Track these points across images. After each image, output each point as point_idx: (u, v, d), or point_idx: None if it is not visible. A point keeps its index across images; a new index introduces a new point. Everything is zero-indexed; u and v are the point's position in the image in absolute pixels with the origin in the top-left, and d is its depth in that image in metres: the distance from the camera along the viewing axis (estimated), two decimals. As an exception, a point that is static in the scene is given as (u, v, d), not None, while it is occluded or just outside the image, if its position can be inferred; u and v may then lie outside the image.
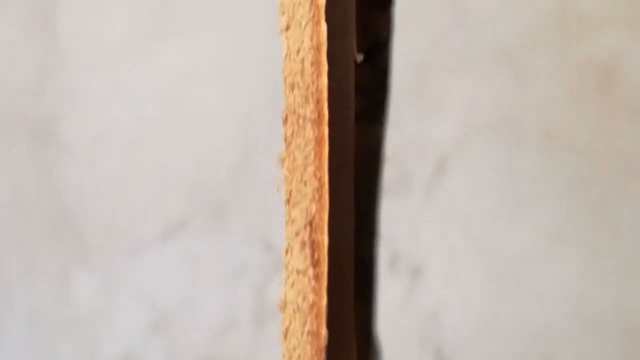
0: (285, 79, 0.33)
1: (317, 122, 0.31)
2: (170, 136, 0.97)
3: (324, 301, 0.32)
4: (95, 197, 1.01)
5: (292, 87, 0.32)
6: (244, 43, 0.93)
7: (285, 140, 0.33)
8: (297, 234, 0.33)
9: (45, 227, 1.03)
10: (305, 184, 0.32)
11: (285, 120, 0.32)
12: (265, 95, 0.92)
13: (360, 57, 0.34)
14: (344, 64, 0.33)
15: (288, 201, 0.33)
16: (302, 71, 0.32)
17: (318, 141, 0.32)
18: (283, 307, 0.33)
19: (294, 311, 0.33)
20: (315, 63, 0.31)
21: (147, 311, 0.99)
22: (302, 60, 0.32)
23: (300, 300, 0.33)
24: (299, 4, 0.32)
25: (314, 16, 0.31)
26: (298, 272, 0.33)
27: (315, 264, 0.32)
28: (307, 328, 0.33)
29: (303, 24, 0.32)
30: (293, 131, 0.32)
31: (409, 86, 0.86)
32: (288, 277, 0.33)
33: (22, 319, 1.04)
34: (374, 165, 0.45)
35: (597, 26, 0.81)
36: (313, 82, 0.32)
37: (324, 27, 0.31)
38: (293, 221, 0.33)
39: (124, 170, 1.00)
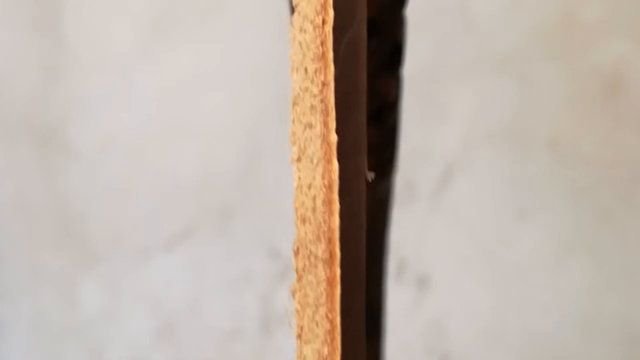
0: (296, 210, 0.32)
1: (329, 262, 0.31)
2: (176, 143, 0.97)
3: None
4: (101, 203, 1.01)
5: (304, 221, 0.32)
6: (250, 49, 0.93)
7: (297, 272, 0.32)
8: None
9: (51, 232, 1.03)
10: (317, 325, 0.32)
11: (297, 253, 0.32)
12: (271, 102, 0.92)
13: (371, 176, 0.34)
14: (356, 189, 0.32)
15: (299, 337, 0.32)
16: (314, 208, 0.31)
17: (330, 282, 0.31)
18: None
19: None
20: (327, 202, 0.31)
21: (153, 317, 0.99)
22: (314, 198, 0.31)
23: None
24: (310, 139, 0.31)
25: (325, 154, 0.31)
26: None
27: None
28: None
29: (315, 161, 0.31)
30: (304, 266, 0.32)
31: (414, 94, 0.85)
32: None
33: (28, 323, 1.04)
34: (382, 218, 0.44)
35: (603, 34, 0.81)
36: (325, 221, 0.31)
37: (335, 165, 0.31)
38: (304, 358, 0.32)
39: (130, 176, 1.00)
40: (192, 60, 0.95)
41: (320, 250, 0.31)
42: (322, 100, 0.32)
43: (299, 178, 0.32)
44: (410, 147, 0.87)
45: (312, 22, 0.31)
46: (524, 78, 0.83)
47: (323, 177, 0.31)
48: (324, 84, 0.32)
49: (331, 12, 0.31)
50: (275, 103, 0.91)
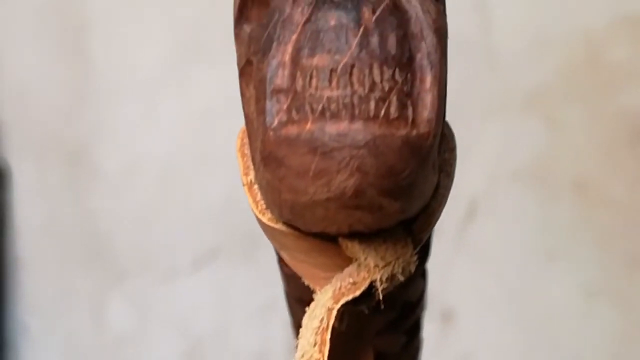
0: None
1: None
2: (202, 166, 0.96)
3: None
4: (128, 224, 1.01)
5: None
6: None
7: None
8: None
9: (80, 252, 1.04)
10: None
11: None
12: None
13: None
14: None
15: None
16: None
17: None
18: None
19: None
20: None
21: (180, 339, 1.00)
22: None
23: None
24: None
25: None
26: None
27: None
28: None
29: None
30: None
31: (439, 130, 0.84)
32: None
33: (60, 343, 1.05)
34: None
35: (631, 76, 0.79)
36: None
37: None
38: None
39: (157, 198, 1.00)
40: (218, 84, 0.94)
41: None
42: None
43: None
44: (435, 185, 0.86)
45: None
46: (549, 118, 0.81)
47: None
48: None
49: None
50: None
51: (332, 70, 0.31)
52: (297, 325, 0.37)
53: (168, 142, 0.98)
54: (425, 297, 0.42)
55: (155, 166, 0.99)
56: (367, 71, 0.31)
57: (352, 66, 0.31)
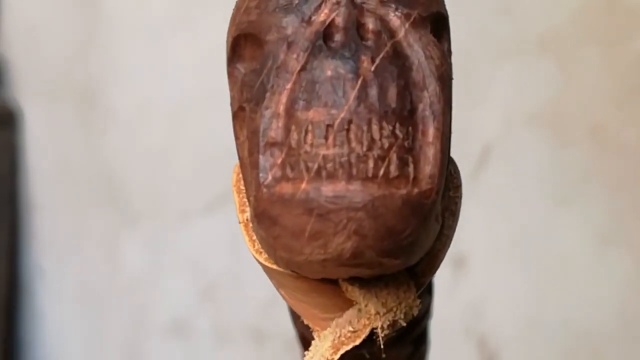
0: None
1: None
2: (215, 107, 0.96)
3: None
4: (140, 166, 1.01)
5: None
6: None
7: None
8: None
9: (93, 192, 1.04)
10: None
11: None
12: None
13: None
14: None
15: None
16: None
17: None
18: None
19: None
20: None
21: (195, 279, 1.00)
22: None
23: None
24: None
25: None
26: None
27: None
28: None
29: None
30: None
31: (454, 74, 0.83)
32: None
33: (75, 284, 1.05)
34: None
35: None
36: None
37: None
38: None
39: (168, 140, 1.00)
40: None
41: None
42: None
43: None
44: (448, 129, 0.85)
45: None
46: (564, 62, 0.80)
47: None
48: None
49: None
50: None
51: (328, 126, 0.29)
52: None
53: (180, 83, 0.98)
54: (431, 308, 0.41)
55: (167, 108, 0.99)
56: (365, 127, 0.29)
57: (350, 122, 0.29)
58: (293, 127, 0.30)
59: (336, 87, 0.30)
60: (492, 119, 0.83)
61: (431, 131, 0.30)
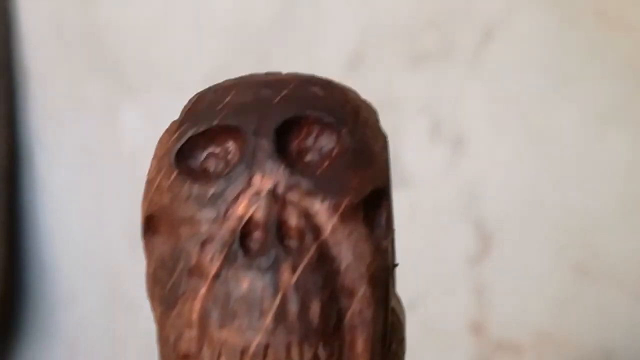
0: None
1: None
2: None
3: None
4: (135, 36, 0.99)
5: None
6: None
7: None
8: None
9: (87, 61, 1.02)
10: None
11: None
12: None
13: None
14: None
15: None
16: None
17: None
18: None
19: None
20: None
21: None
22: None
23: None
24: None
25: None
26: None
27: None
28: None
29: None
30: None
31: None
32: None
33: (75, 154, 1.05)
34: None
35: None
36: None
37: None
38: None
39: (165, 10, 0.98)
40: None
41: None
42: None
43: None
44: (450, 6, 0.83)
45: None
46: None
47: None
48: None
49: None
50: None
51: (242, 352, 0.27)
52: None
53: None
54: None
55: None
56: (284, 353, 0.27)
57: (267, 347, 0.27)
58: (206, 345, 0.28)
59: (252, 307, 0.27)
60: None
61: (360, 342, 0.28)
